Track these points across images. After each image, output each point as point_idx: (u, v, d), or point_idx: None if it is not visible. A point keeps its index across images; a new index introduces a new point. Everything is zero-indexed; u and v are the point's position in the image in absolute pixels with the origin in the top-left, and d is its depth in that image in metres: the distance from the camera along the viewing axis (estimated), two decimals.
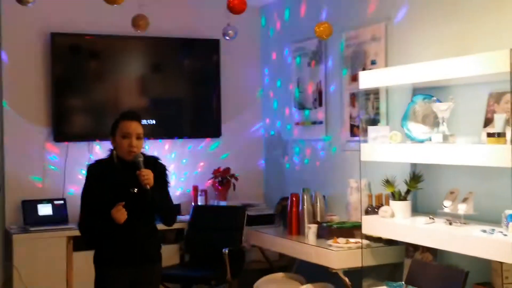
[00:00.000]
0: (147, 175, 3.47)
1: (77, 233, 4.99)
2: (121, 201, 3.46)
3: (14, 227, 5.29)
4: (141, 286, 3.59)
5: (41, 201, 5.40)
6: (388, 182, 4.09)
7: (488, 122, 3.63)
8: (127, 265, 3.54)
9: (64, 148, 5.58)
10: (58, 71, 5.55)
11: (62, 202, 5.45)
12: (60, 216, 5.39)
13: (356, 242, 4.27)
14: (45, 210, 5.38)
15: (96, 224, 3.51)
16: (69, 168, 5.54)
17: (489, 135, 3.31)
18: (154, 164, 3.64)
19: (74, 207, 5.13)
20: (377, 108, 4.66)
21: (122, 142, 3.54)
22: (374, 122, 4.59)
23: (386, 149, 4.00)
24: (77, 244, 5.09)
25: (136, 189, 3.52)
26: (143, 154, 3.58)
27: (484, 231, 3.38)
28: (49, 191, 5.49)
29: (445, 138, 3.63)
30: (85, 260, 4.16)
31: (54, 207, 5.41)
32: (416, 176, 4.04)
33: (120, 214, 3.44)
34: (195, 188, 5.92)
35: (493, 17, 3.74)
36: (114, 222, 3.44)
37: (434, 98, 3.85)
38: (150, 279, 3.65)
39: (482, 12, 3.81)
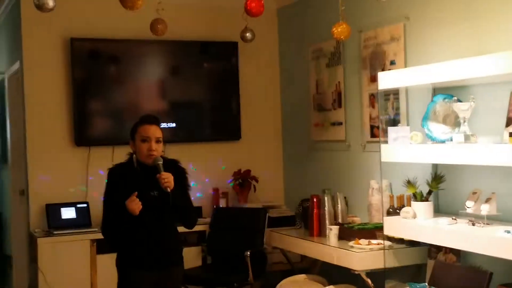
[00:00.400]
0: (167, 178, 3.49)
1: (100, 236, 5.03)
2: (142, 204, 3.48)
3: (39, 230, 5.36)
4: None
5: (65, 205, 5.45)
6: (409, 183, 4.08)
7: (510, 121, 3.60)
8: (150, 268, 3.57)
9: (86, 152, 5.62)
10: (79, 76, 5.60)
11: (85, 205, 5.50)
12: (83, 219, 5.44)
13: (378, 244, 4.26)
14: (68, 213, 5.43)
15: (118, 226, 3.54)
16: (92, 171, 5.59)
17: (511, 134, 3.29)
18: (174, 167, 3.66)
19: (97, 211, 5.16)
20: (397, 109, 4.64)
21: (141, 146, 3.56)
22: (394, 122, 4.57)
23: (406, 149, 3.98)
24: (101, 247, 5.15)
25: (156, 192, 3.55)
26: (163, 158, 3.61)
27: (508, 231, 3.35)
28: (72, 194, 5.55)
29: (467, 138, 3.61)
30: (108, 262, 4.19)
31: (78, 211, 5.46)
32: (437, 177, 4.02)
33: (135, 204, 3.45)
34: (216, 191, 5.94)
35: None
36: (135, 220, 3.46)
37: (455, 98, 3.83)
38: (172, 281, 3.68)
39: (502, 10, 3.79)
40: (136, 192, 3.47)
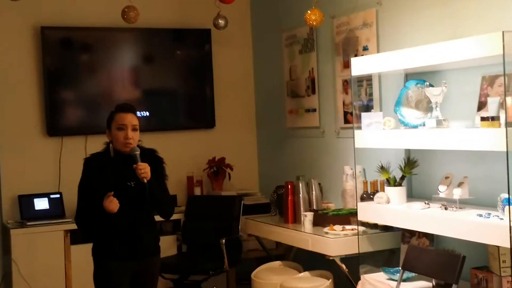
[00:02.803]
0: (144, 169, 3.47)
1: (74, 226, 4.99)
2: (119, 194, 3.46)
3: (12, 221, 5.30)
4: (141, 278, 3.62)
5: (38, 196, 5.39)
6: (383, 168, 4.10)
7: (481, 106, 3.63)
8: (127, 258, 3.55)
9: (58, 142, 5.56)
10: (50, 65, 5.53)
11: (58, 196, 5.44)
12: (56, 210, 5.38)
13: (352, 229, 4.29)
14: (41, 204, 5.38)
15: (93, 217, 3.51)
16: (64, 161, 5.53)
17: (483, 119, 3.32)
18: (151, 156, 3.65)
19: (70, 201, 5.12)
20: (370, 95, 4.66)
21: (117, 135, 3.54)
22: (368, 108, 4.59)
23: (380, 135, 4.00)
24: (75, 238, 5.12)
25: (133, 183, 3.52)
26: (140, 147, 3.58)
27: (480, 215, 3.39)
28: (45, 185, 5.49)
29: (439, 123, 3.64)
30: (83, 253, 4.18)
31: (51, 201, 5.41)
32: (410, 162, 4.05)
33: (112, 204, 3.44)
34: (191, 179, 5.92)
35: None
36: (112, 213, 3.44)
37: (427, 83, 3.85)
38: (150, 271, 3.68)
39: None
40: (113, 192, 3.45)
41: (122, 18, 5.01)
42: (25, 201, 5.35)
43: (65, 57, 5.61)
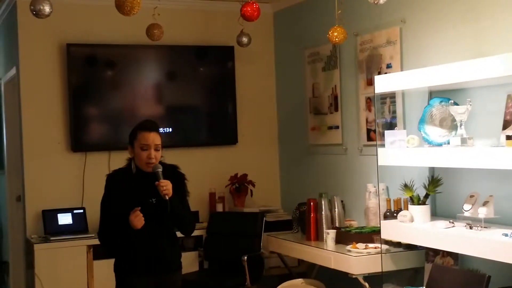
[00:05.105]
0: (166, 186, 3.47)
1: (97, 241, 5.02)
2: (141, 210, 3.47)
3: (35, 236, 5.34)
4: None
5: (61, 211, 5.43)
6: (406, 187, 4.07)
7: (507, 124, 3.60)
8: (148, 274, 3.55)
9: (82, 158, 5.61)
10: (75, 81, 5.59)
11: (81, 211, 5.48)
12: (80, 225, 5.43)
13: (375, 247, 4.26)
14: (65, 219, 5.42)
15: (116, 233, 3.53)
16: (88, 177, 5.57)
17: (508, 137, 3.29)
18: (173, 173, 3.64)
19: (94, 216, 5.15)
20: (394, 112, 4.64)
21: (140, 154, 3.54)
22: (391, 126, 4.57)
23: (403, 153, 3.98)
24: (97, 253, 5.15)
25: (154, 199, 3.53)
26: (162, 163, 3.59)
27: (506, 234, 3.35)
28: (69, 200, 5.53)
29: (464, 141, 3.61)
30: (105, 268, 4.20)
31: (74, 216, 5.45)
32: (434, 180, 4.02)
33: (138, 219, 3.45)
34: (213, 195, 5.93)
35: (510, 17, 3.71)
36: (133, 230, 3.46)
37: (452, 101, 3.83)
38: (171, 287, 3.67)
39: (499, 13, 3.79)
40: (140, 207, 3.46)
41: (147, 35, 5.05)
42: (49, 216, 5.39)
43: (90, 73, 5.67)
